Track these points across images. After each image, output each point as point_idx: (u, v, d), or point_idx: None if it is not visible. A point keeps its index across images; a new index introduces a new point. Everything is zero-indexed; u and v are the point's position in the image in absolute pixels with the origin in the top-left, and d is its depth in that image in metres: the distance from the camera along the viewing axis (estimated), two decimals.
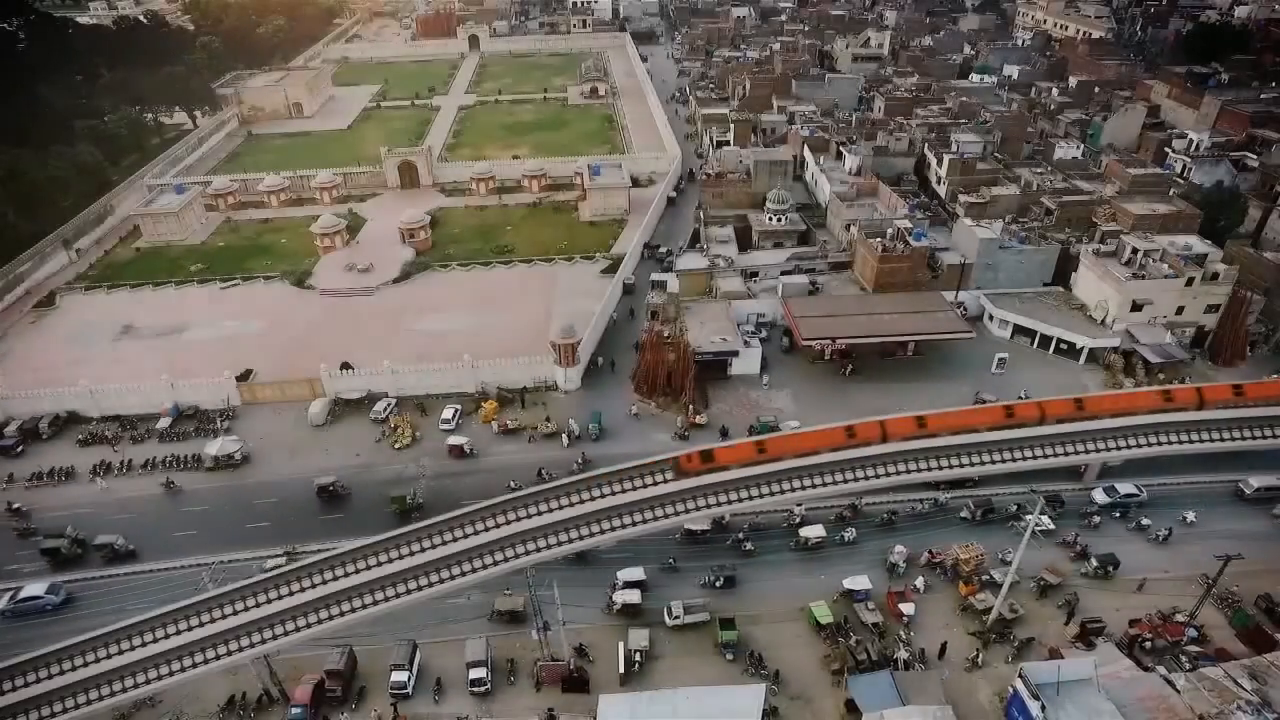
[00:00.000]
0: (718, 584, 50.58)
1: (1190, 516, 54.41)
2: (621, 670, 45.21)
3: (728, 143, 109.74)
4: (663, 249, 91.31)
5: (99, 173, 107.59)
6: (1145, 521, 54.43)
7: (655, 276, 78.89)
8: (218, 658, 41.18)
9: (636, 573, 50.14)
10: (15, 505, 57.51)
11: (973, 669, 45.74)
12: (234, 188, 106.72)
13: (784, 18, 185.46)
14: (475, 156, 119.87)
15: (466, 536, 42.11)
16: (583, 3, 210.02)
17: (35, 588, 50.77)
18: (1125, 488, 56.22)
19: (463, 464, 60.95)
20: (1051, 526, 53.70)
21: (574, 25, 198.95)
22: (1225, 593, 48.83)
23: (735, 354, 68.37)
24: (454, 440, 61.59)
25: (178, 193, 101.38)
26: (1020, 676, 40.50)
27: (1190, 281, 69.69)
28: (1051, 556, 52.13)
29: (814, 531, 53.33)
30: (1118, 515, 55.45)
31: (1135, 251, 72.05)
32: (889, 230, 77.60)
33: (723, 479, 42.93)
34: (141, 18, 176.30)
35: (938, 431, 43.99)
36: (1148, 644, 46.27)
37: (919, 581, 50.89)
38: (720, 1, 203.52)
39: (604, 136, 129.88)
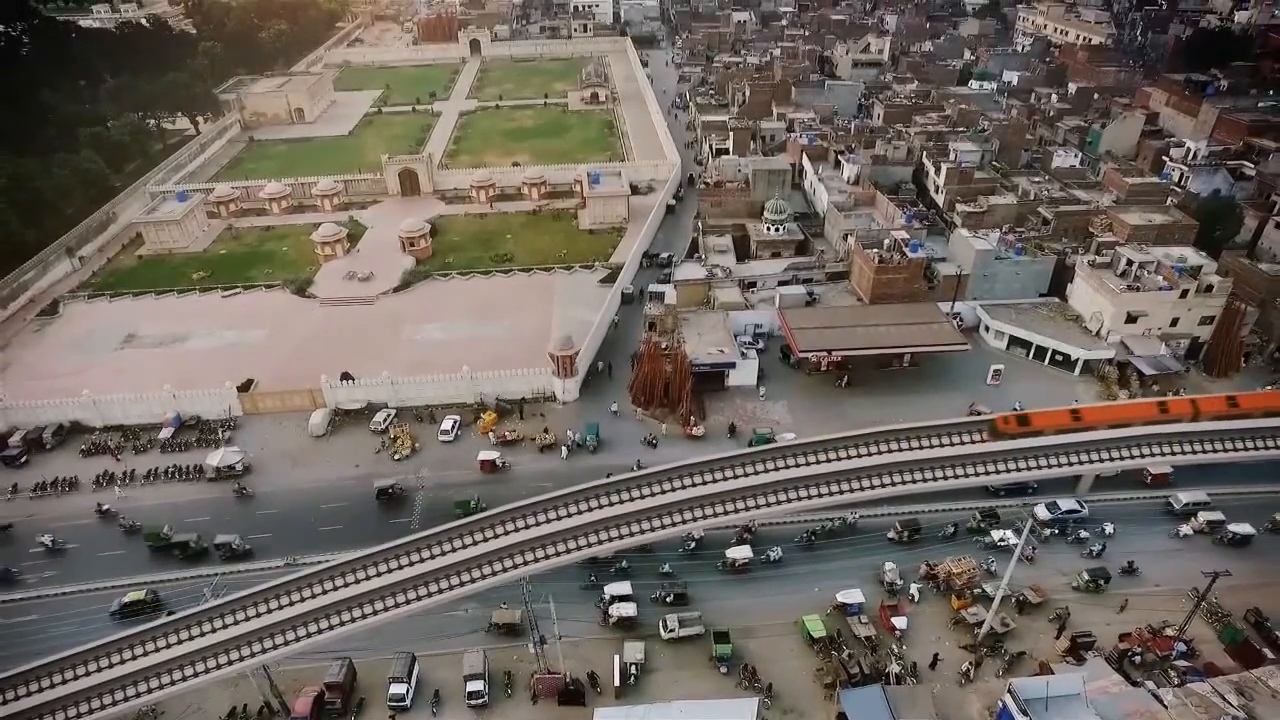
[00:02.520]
0: (668, 599, 51.05)
1: (1109, 528, 55.44)
2: (617, 683, 45.77)
3: (727, 150, 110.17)
4: (665, 254, 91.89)
5: (101, 180, 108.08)
6: (1084, 534, 55.32)
7: (653, 287, 79.44)
8: (219, 667, 42.04)
9: (624, 587, 50.75)
10: (105, 507, 58.74)
11: (965, 682, 46.28)
12: (236, 195, 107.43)
13: (784, 22, 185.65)
14: (476, 163, 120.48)
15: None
16: (584, 7, 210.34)
17: None
18: (1067, 503, 56.81)
19: (492, 476, 61.22)
20: (1015, 541, 54.09)
21: (575, 29, 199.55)
22: (1214, 607, 49.34)
23: (732, 365, 68.89)
24: (485, 455, 61.87)
25: (180, 200, 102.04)
26: (1009, 692, 40.90)
27: (1184, 294, 70.18)
28: (1025, 574, 52.44)
29: (741, 553, 53.42)
30: (1056, 531, 55.87)
31: (1130, 263, 72.50)
32: (886, 241, 78.05)
33: (1038, 444, 45.63)
34: (144, 22, 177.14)
35: (1250, 411, 46.20)
36: (1137, 658, 46.82)
37: (914, 588, 51.60)
38: (721, 5, 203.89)
39: (604, 143, 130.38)
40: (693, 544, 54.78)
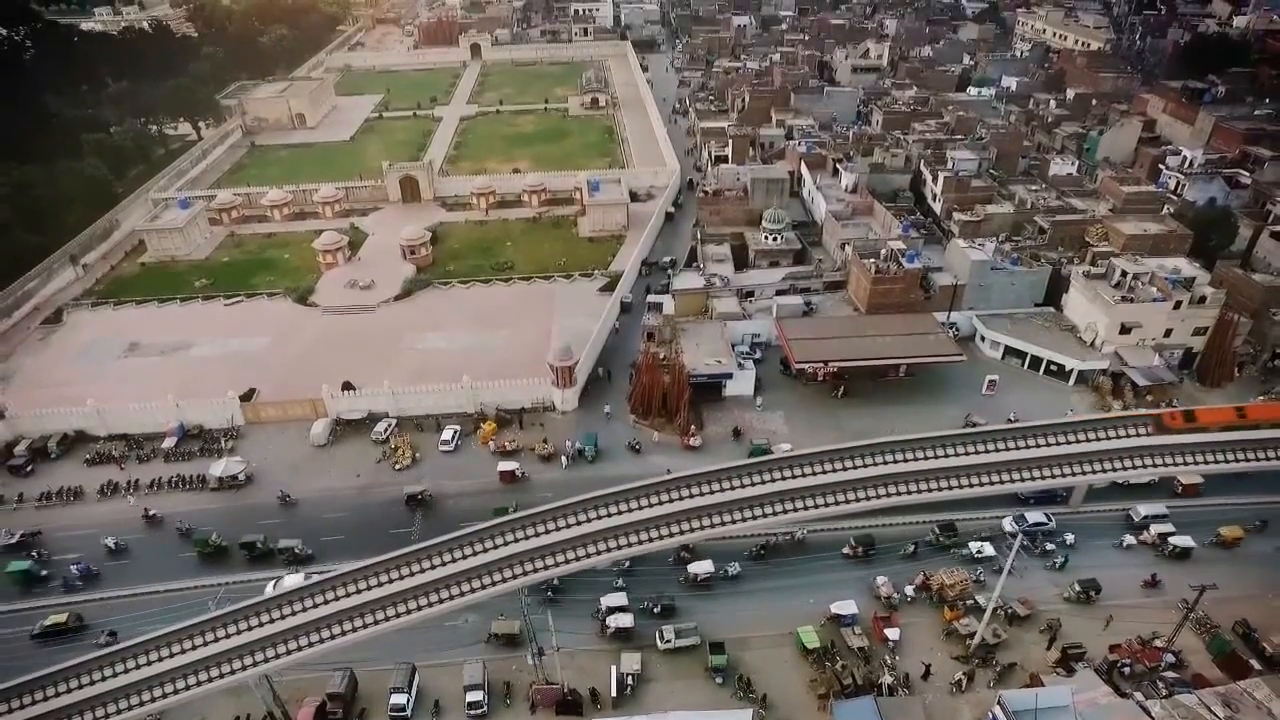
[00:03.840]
0: (655, 610, 51.70)
1: (1070, 539, 56.32)
2: (614, 693, 46.54)
3: (726, 158, 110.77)
4: (667, 259, 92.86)
5: (104, 186, 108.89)
6: (1050, 547, 55.84)
7: (651, 298, 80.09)
8: (221, 676, 42.74)
9: (620, 598, 51.51)
10: (152, 512, 59.89)
11: (956, 691, 46.95)
12: (238, 202, 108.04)
13: (784, 27, 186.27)
14: (476, 169, 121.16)
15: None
16: (584, 11, 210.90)
17: None
18: (1035, 516, 57.35)
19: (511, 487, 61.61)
20: (992, 553, 55.13)
21: (575, 34, 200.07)
22: (1204, 618, 49.99)
23: (729, 376, 69.53)
24: (504, 466, 62.47)
25: (182, 208, 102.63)
26: (999, 704, 41.70)
27: (1178, 305, 70.82)
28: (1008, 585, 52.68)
29: (702, 567, 53.78)
30: (1024, 543, 55.80)
31: (1125, 274, 73.13)
32: (882, 251, 78.67)
33: (1204, 440, 47.25)
34: (146, 26, 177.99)
35: None
36: (1127, 669, 47.50)
37: (909, 589, 52.67)
38: (721, 10, 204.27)
39: (604, 149, 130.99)
40: (625, 563, 53.65)
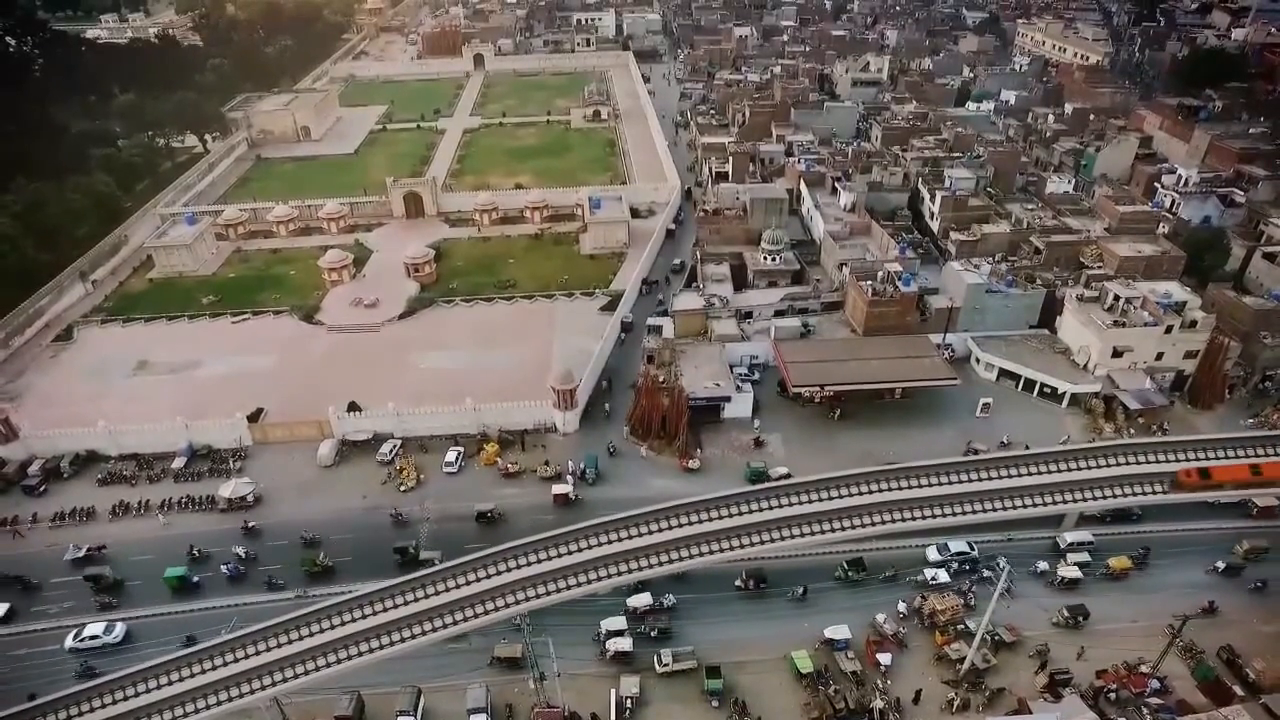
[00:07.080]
0: (653, 634, 52.92)
1: (1003, 563, 56.02)
2: (613, 716, 47.83)
3: (727, 175, 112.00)
4: (677, 261, 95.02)
5: (113, 202, 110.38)
6: (987, 574, 56.23)
7: (651, 320, 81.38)
8: (230, 699, 43.99)
9: (619, 622, 52.80)
10: (251, 524, 61.74)
11: (948, 713, 48.16)
12: (244, 217, 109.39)
13: (785, 37, 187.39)
14: (479, 183, 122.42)
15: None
16: (587, 20, 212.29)
17: None
18: (957, 545, 58.14)
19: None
20: (947, 579, 56.56)
21: (578, 44, 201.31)
22: (1189, 644, 51.15)
23: (728, 399, 70.75)
24: (558, 489, 63.28)
25: (189, 223, 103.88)
26: None
27: (1169, 329, 71.99)
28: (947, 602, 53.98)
29: (642, 600, 54.60)
30: (965, 568, 57.34)
31: (1117, 298, 74.31)
32: (880, 273, 79.85)
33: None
34: (153, 36, 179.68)
35: None
36: (1113, 695, 48.70)
37: (902, 606, 54.01)
38: (723, 19, 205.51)
39: (606, 163, 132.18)
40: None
